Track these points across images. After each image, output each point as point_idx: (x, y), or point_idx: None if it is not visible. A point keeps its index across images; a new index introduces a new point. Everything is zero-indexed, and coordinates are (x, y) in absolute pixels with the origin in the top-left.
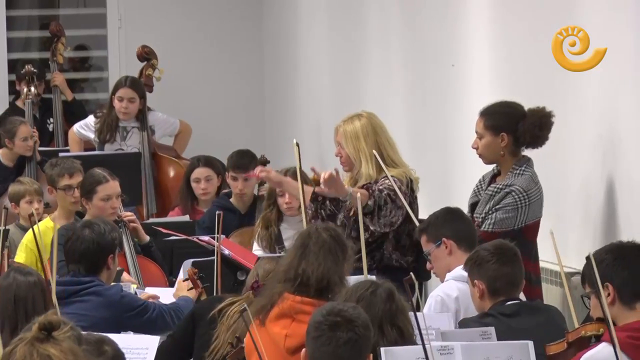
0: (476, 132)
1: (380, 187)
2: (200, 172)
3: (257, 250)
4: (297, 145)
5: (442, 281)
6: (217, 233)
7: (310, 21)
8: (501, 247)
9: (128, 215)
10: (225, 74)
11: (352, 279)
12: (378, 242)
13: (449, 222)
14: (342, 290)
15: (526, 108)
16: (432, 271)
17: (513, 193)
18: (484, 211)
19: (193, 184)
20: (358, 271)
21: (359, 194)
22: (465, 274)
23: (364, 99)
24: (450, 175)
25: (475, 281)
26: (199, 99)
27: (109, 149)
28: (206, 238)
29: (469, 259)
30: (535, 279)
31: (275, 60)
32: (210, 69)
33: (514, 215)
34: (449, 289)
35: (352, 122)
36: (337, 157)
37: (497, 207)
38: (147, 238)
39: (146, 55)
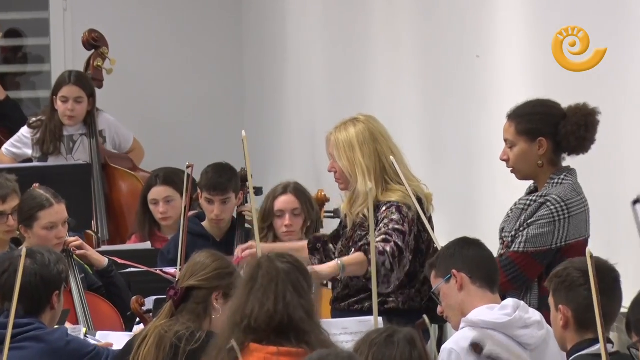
0: (505, 140)
1: (384, 233)
2: (158, 192)
3: None
4: (244, 140)
5: (455, 327)
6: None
7: (302, 5)
8: (599, 270)
9: (73, 241)
10: (195, 68)
11: (353, 322)
12: None
13: (461, 251)
14: (314, 328)
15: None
16: (443, 315)
17: (548, 203)
18: (514, 228)
19: (151, 207)
20: (352, 314)
21: (353, 266)
22: (486, 317)
23: (367, 100)
24: (476, 192)
25: (560, 306)
26: (161, 99)
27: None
28: (172, 270)
29: (555, 276)
30: None
31: (258, 51)
32: (175, 60)
33: (550, 231)
34: (464, 341)
35: (346, 129)
36: (331, 172)
37: (529, 221)
38: (105, 261)
39: (94, 42)
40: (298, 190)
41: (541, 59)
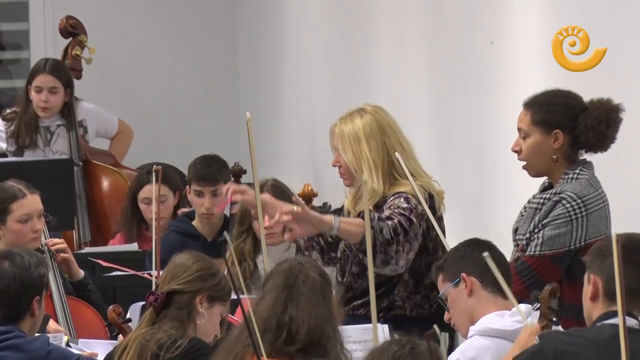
0: (519, 129)
1: (389, 213)
2: (151, 190)
3: None
4: (248, 122)
5: (464, 335)
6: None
7: None
8: (634, 243)
9: (56, 242)
10: (184, 58)
11: (357, 329)
12: (388, 284)
13: (472, 253)
14: (334, 347)
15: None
16: (451, 323)
17: (564, 201)
18: (528, 230)
19: (142, 206)
20: (356, 319)
21: (351, 225)
22: (496, 325)
23: (371, 92)
24: (489, 189)
25: (592, 276)
26: (146, 92)
27: (29, 157)
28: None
29: (594, 248)
30: None
31: (254, 38)
32: (162, 50)
33: (568, 231)
34: (472, 350)
35: (352, 120)
36: (336, 167)
37: (544, 222)
38: (82, 273)
39: (71, 29)
40: (275, 188)
41: None
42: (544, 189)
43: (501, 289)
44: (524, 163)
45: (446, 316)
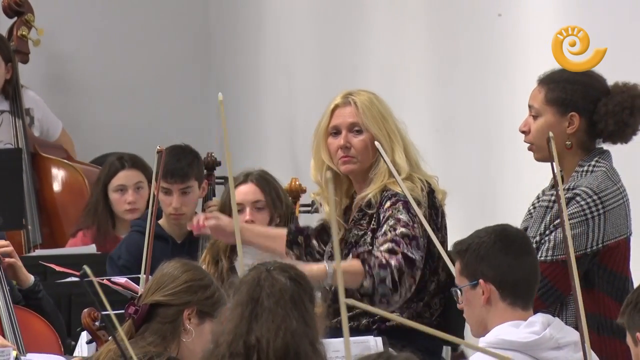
0: (530, 106)
1: (389, 246)
2: (127, 176)
3: None
4: (220, 103)
5: (473, 334)
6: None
7: None
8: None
9: (1, 245)
10: (146, 40)
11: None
12: None
13: (496, 255)
14: None
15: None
16: (463, 326)
17: (578, 198)
18: (539, 232)
19: (114, 195)
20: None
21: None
22: (509, 336)
23: (362, 72)
24: (497, 180)
25: (638, 334)
26: (101, 76)
27: None
28: (122, 280)
29: (628, 303)
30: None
31: (227, 15)
32: (122, 26)
33: (583, 232)
34: None
35: (359, 94)
36: (339, 149)
37: (556, 222)
38: (32, 279)
39: (16, 7)
40: (262, 179)
41: (580, 19)
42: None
43: (522, 299)
44: (531, 144)
45: (459, 305)
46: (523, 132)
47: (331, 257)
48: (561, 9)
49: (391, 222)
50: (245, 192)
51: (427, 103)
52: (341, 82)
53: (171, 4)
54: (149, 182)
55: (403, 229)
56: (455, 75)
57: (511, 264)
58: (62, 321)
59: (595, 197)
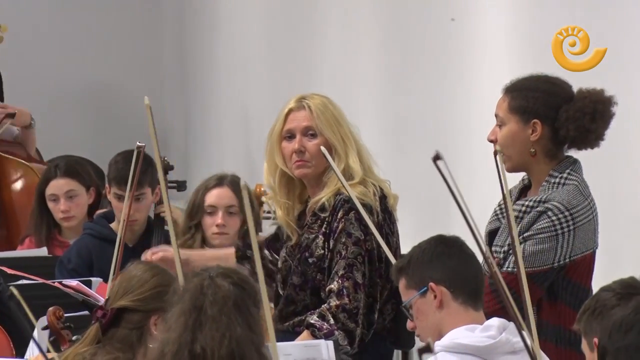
0: (496, 116)
1: (337, 285)
2: (58, 185)
3: None
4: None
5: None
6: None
7: None
8: (632, 286)
9: None
10: (105, 40)
11: (298, 347)
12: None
13: (440, 257)
14: None
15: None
16: (415, 333)
17: (549, 212)
18: (507, 242)
19: (50, 204)
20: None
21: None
22: (465, 340)
23: (315, 75)
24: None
25: (595, 340)
26: (62, 75)
27: None
28: (74, 283)
29: (585, 309)
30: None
31: (182, 13)
32: (79, 24)
33: (552, 247)
34: None
35: (313, 98)
36: (294, 153)
37: (525, 234)
38: None
39: None
40: (236, 184)
41: (528, 23)
42: (523, 188)
43: (473, 299)
44: (500, 154)
45: (409, 324)
46: (491, 141)
47: (284, 264)
48: (513, 13)
49: (343, 239)
50: (221, 195)
51: (379, 107)
52: (294, 86)
53: (125, 13)
54: (88, 188)
55: (352, 257)
56: (408, 79)
57: (457, 264)
58: (25, 324)
59: (567, 213)
